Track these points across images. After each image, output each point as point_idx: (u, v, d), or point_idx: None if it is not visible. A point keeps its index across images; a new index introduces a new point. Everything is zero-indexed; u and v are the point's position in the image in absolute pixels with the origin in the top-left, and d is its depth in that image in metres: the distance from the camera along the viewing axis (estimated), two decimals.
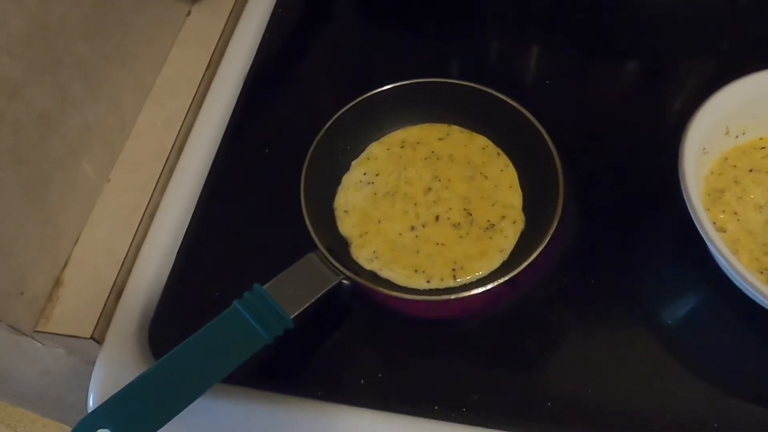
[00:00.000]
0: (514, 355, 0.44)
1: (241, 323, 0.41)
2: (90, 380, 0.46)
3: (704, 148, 0.46)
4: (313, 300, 0.42)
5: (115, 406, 0.38)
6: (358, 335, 0.46)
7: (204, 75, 0.61)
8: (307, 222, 0.46)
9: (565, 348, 0.44)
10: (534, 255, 0.43)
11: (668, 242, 0.49)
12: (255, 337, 0.40)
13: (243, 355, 0.40)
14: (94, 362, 0.47)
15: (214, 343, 0.41)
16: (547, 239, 0.44)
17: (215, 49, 0.63)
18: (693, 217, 0.41)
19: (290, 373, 0.44)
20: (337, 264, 0.44)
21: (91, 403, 0.45)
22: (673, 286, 0.47)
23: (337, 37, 0.65)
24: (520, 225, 0.48)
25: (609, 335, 0.45)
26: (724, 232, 0.45)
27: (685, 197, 0.42)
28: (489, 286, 0.43)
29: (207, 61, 0.61)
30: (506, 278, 0.43)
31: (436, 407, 0.42)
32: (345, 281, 0.44)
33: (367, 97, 0.52)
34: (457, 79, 0.52)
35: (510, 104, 0.51)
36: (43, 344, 0.49)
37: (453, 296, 0.43)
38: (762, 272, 0.44)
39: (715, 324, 0.45)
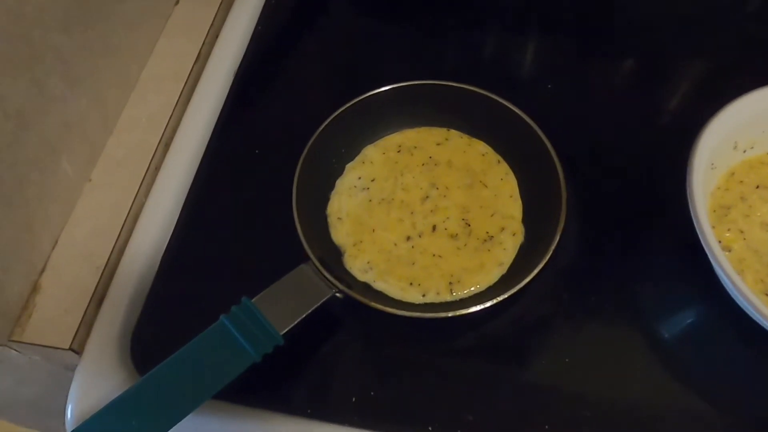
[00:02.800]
0: (511, 374, 0.43)
1: (228, 340, 0.39)
2: (69, 386, 0.44)
3: (712, 163, 0.45)
4: (304, 315, 0.41)
5: (96, 426, 0.37)
6: (351, 350, 0.44)
7: (192, 69, 0.58)
8: (299, 230, 0.44)
9: (564, 367, 0.43)
10: (535, 272, 0.42)
11: (672, 257, 0.48)
12: (243, 355, 0.39)
13: (231, 374, 0.39)
14: (74, 368, 0.45)
15: (200, 360, 0.39)
16: (549, 255, 0.43)
17: (204, 41, 0.60)
18: (701, 238, 0.40)
19: (279, 388, 0.43)
20: (330, 277, 0.42)
21: (69, 416, 0.44)
22: (676, 304, 0.46)
23: (333, 30, 0.63)
24: (520, 237, 0.47)
25: (610, 355, 0.44)
26: (730, 251, 0.44)
27: (693, 217, 0.40)
28: (488, 304, 0.41)
29: (195, 54, 0.59)
30: (506, 296, 0.42)
31: (430, 428, 0.41)
32: (338, 294, 0.42)
33: (364, 98, 0.50)
34: (456, 81, 0.51)
35: (510, 109, 0.49)
36: (18, 351, 0.46)
37: (450, 314, 0.42)
38: (767, 294, 0.43)
39: (718, 343, 0.44)
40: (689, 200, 0.41)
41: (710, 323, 0.46)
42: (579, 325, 0.45)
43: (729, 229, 0.45)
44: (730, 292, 0.41)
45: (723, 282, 0.41)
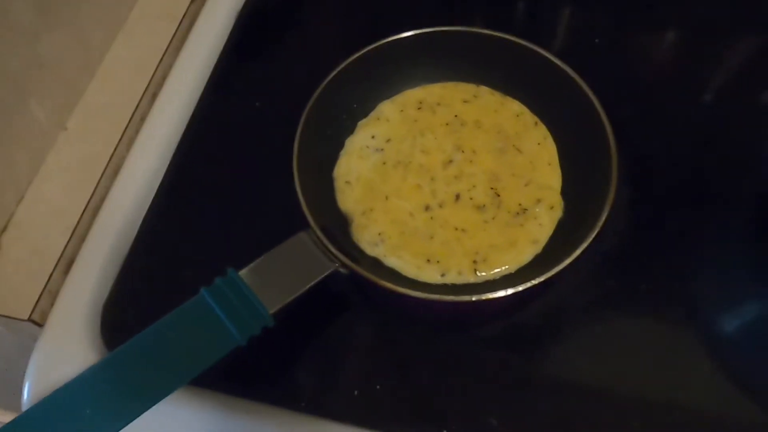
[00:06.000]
0: (544, 373, 0.38)
1: (208, 317, 0.34)
2: None
3: None
4: (300, 293, 0.36)
5: (52, 409, 0.33)
6: (354, 336, 0.40)
7: (188, 8, 0.54)
8: (299, 193, 0.39)
9: (607, 367, 0.38)
10: (576, 252, 0.36)
11: (737, 241, 0.42)
12: (225, 336, 0.34)
13: (210, 357, 0.34)
14: None
15: (174, 339, 0.34)
16: (595, 233, 0.37)
17: None
18: None
19: (267, 376, 0.38)
20: (332, 248, 0.37)
21: (26, 396, 0.39)
22: (741, 296, 0.41)
23: None
24: (559, 212, 0.42)
25: (662, 353, 0.38)
26: None
27: None
28: (519, 288, 0.36)
29: None
30: (541, 279, 0.36)
31: (445, 431, 0.36)
32: (342, 269, 0.37)
33: (380, 45, 0.45)
34: (488, 28, 0.46)
35: (552, 62, 0.44)
36: None
37: (474, 297, 0.36)
38: None
39: None
40: None
41: None
42: (626, 317, 0.40)
43: None
44: None
45: None
